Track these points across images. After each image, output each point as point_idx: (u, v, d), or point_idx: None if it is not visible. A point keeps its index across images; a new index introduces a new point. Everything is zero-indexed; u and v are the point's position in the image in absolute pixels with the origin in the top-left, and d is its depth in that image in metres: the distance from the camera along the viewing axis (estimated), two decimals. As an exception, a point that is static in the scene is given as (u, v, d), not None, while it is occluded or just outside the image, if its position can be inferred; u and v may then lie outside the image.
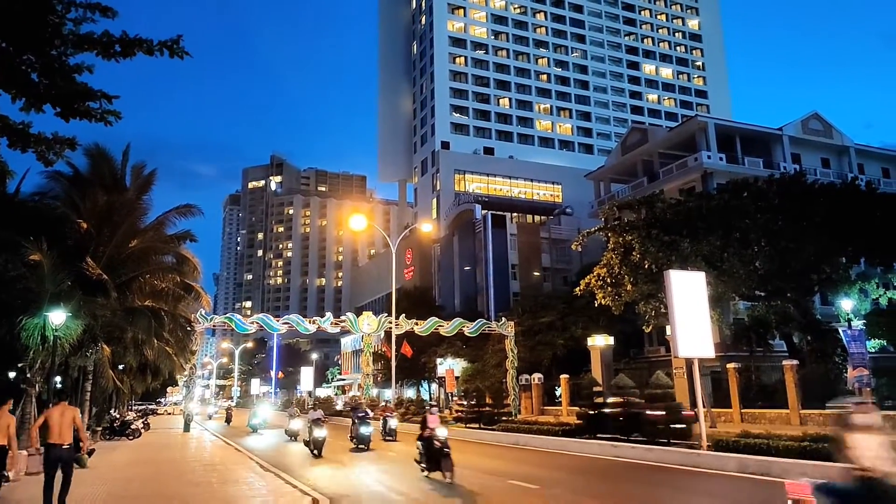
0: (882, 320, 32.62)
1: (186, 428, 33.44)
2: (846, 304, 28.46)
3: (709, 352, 17.02)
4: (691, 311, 16.80)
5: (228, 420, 46.70)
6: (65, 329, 18.96)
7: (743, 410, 27.12)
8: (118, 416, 31.96)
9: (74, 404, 18.81)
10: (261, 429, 34.37)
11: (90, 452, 17.73)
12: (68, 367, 24.64)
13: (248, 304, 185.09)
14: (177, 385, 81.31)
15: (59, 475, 9.43)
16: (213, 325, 36.02)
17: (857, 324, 29.60)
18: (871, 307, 34.90)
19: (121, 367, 32.96)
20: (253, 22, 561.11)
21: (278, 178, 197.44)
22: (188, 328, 31.74)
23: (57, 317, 17.42)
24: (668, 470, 14.84)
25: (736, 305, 34.17)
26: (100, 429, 28.24)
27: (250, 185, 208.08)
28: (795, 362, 26.13)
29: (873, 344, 32.26)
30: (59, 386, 27.52)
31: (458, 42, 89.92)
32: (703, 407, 17.86)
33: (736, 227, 27.51)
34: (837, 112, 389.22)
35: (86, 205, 24.09)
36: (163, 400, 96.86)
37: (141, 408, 57.80)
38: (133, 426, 28.85)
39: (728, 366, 28.40)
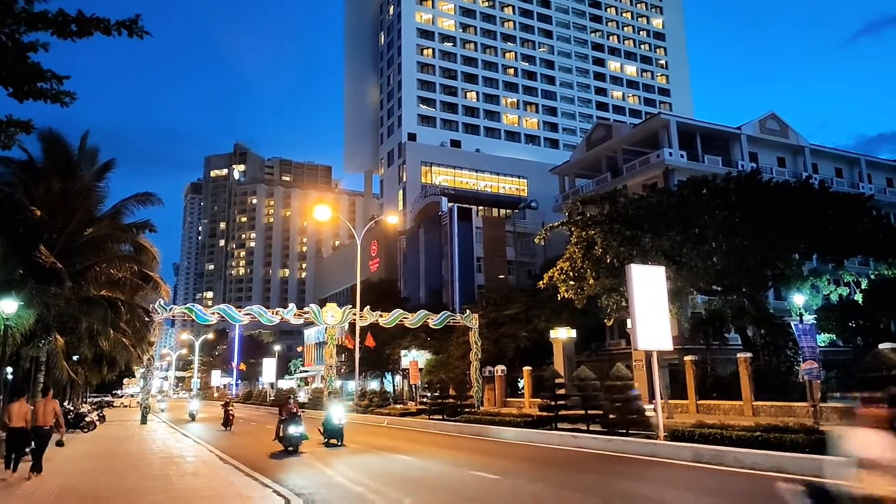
0: (832, 315, 33.85)
1: (143, 420, 32.82)
2: (798, 298, 29.37)
3: (667, 345, 17.43)
4: (651, 305, 17.14)
5: (227, 423, 29.49)
6: (16, 318, 18.42)
7: (699, 401, 27.84)
8: (73, 408, 31.14)
9: (28, 396, 18.37)
10: (304, 442, 18.66)
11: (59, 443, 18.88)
12: (20, 358, 23.96)
13: (210, 294, 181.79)
14: (134, 377, 79.76)
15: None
16: (173, 316, 35.36)
17: (809, 318, 30.59)
18: (823, 302, 36.18)
19: (75, 358, 32.12)
20: (216, 8, 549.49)
21: (242, 167, 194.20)
22: (146, 318, 31.11)
23: (8, 306, 16.89)
24: (626, 459, 15.16)
25: (694, 299, 35.00)
26: (53, 421, 27.43)
27: (213, 173, 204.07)
28: (749, 355, 26.88)
29: (823, 338, 33.41)
30: (10, 377, 26.71)
31: (425, 34, 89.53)
32: (661, 398, 18.29)
33: (695, 223, 28.14)
34: (794, 112, 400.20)
35: (39, 191, 23.39)
36: (119, 392, 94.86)
37: (96, 400, 56.39)
38: (88, 419, 28.16)
39: (685, 358, 29.09)
